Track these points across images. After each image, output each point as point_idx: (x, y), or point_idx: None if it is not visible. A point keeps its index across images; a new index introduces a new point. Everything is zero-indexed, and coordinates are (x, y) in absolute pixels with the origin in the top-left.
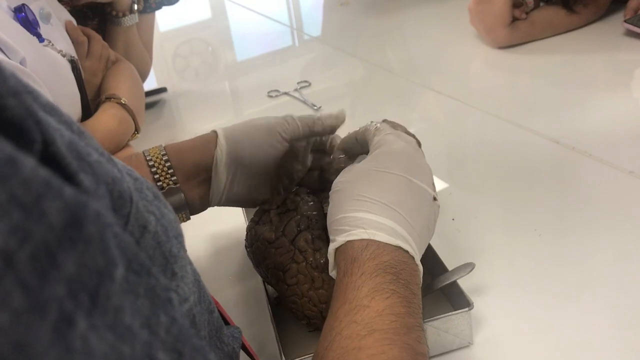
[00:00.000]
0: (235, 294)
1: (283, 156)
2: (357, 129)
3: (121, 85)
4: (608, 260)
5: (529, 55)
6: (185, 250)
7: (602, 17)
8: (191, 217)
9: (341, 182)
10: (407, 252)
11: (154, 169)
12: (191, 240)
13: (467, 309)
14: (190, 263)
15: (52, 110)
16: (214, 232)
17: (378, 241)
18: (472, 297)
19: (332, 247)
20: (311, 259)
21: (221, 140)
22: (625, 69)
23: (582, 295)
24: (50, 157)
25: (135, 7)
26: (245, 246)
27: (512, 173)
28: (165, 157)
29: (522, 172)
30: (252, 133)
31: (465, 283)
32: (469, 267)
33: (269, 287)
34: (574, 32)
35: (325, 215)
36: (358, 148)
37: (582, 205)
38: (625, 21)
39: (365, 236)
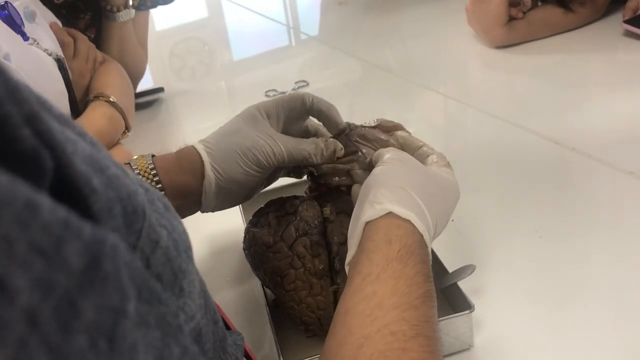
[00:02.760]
0: (234, 295)
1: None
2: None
3: (110, 83)
4: (608, 261)
5: (527, 55)
6: (193, 264)
7: (601, 18)
8: (188, 217)
9: (402, 152)
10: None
11: None
12: None
13: (467, 311)
14: (197, 274)
15: (66, 121)
16: (212, 233)
17: (423, 238)
18: (473, 300)
19: (394, 209)
20: (310, 265)
21: (208, 172)
22: (624, 70)
23: (583, 296)
24: (61, 181)
25: (131, 2)
26: (244, 249)
27: (512, 174)
28: (156, 178)
29: (522, 172)
30: (239, 165)
31: (465, 285)
32: (469, 269)
33: (268, 290)
34: (573, 32)
35: (324, 220)
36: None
37: (582, 206)
38: (624, 21)
39: (425, 236)
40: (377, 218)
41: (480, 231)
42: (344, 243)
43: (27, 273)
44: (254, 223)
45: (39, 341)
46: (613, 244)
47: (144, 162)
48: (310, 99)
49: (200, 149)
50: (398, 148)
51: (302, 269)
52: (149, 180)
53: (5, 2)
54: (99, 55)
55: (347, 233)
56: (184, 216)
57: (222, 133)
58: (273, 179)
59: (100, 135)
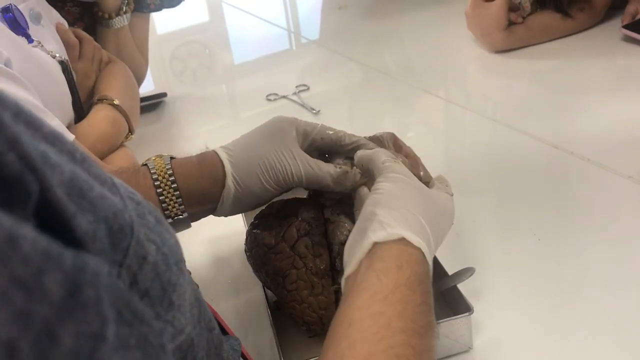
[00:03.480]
0: (235, 298)
1: None
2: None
3: (114, 86)
4: (607, 264)
5: (527, 59)
6: (185, 276)
7: (600, 23)
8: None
9: (402, 169)
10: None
11: (162, 197)
12: (190, 244)
13: (467, 313)
14: (190, 284)
15: (54, 139)
16: (214, 235)
17: (427, 263)
18: (472, 302)
19: (404, 233)
20: (311, 265)
21: (229, 183)
22: (623, 74)
23: (581, 299)
24: (46, 203)
25: (124, 9)
26: (245, 250)
27: (510, 177)
28: (174, 185)
29: (521, 176)
30: (259, 180)
31: (465, 288)
32: (469, 271)
33: (269, 291)
34: (572, 37)
35: (325, 220)
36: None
37: (580, 209)
38: (623, 26)
39: (425, 249)
40: (388, 241)
41: (479, 234)
42: (344, 243)
43: (8, 307)
44: (256, 225)
45: None
46: (611, 247)
47: (162, 164)
48: (346, 138)
49: (224, 157)
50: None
51: (304, 269)
52: (166, 186)
53: (10, 5)
54: (105, 55)
55: (347, 233)
56: (197, 219)
57: (246, 144)
58: (287, 192)
59: (103, 139)
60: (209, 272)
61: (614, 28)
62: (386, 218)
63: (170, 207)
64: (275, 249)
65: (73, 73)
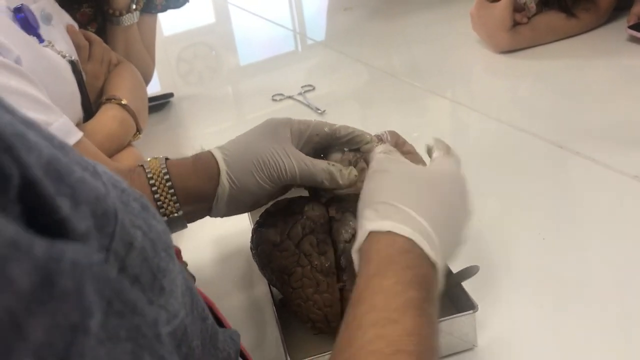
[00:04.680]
0: (241, 296)
1: None
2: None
3: (122, 86)
4: (612, 263)
5: (532, 60)
6: (174, 262)
7: (606, 23)
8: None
9: (390, 162)
10: (437, 270)
11: (156, 195)
12: (196, 243)
13: (471, 311)
14: (182, 272)
15: (31, 124)
16: (219, 234)
17: (420, 249)
18: (476, 300)
19: (370, 226)
20: (316, 262)
21: (223, 180)
22: (628, 75)
23: (586, 297)
24: (27, 184)
25: (134, 6)
26: (251, 248)
27: (516, 177)
28: (168, 183)
29: (526, 176)
30: (253, 177)
31: (469, 286)
32: (474, 269)
33: (274, 289)
34: (577, 38)
35: (330, 219)
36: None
37: (585, 209)
38: (628, 27)
39: (413, 237)
40: (363, 243)
41: (484, 233)
42: (349, 241)
43: None
44: (261, 223)
45: None
46: (616, 247)
47: (157, 164)
48: (343, 129)
49: (218, 156)
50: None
51: (309, 267)
52: (161, 185)
53: (22, 5)
54: (114, 57)
55: (352, 231)
56: (193, 220)
57: (240, 142)
58: (285, 191)
59: (111, 138)
60: (215, 269)
61: (620, 28)
62: (361, 222)
63: (165, 205)
64: (280, 246)
65: (83, 73)
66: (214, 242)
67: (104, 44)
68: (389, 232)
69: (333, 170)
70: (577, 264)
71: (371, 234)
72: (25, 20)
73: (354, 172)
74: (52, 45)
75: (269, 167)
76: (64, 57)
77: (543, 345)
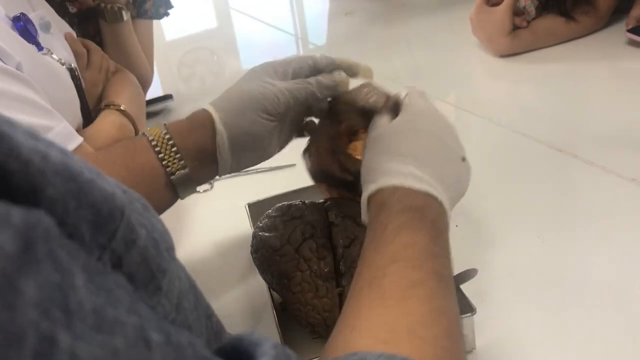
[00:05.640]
0: (241, 299)
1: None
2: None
3: (121, 93)
4: (610, 267)
5: (532, 63)
6: (176, 262)
7: (605, 26)
8: (196, 219)
9: (372, 138)
10: (435, 198)
11: (160, 155)
12: (197, 245)
13: (470, 314)
14: (184, 269)
15: (34, 136)
16: (220, 237)
17: (406, 187)
18: (475, 303)
19: (364, 196)
20: (315, 267)
21: (219, 127)
22: (628, 78)
23: (584, 300)
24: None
25: (124, 12)
26: (251, 252)
27: (514, 180)
28: (170, 142)
29: (525, 179)
30: (247, 114)
31: (468, 288)
32: (472, 272)
33: (274, 293)
34: (577, 41)
35: (330, 223)
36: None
37: (584, 212)
38: (628, 30)
39: (393, 182)
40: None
41: (483, 235)
42: (349, 246)
43: None
44: (261, 227)
45: None
46: (614, 250)
47: (158, 131)
48: (323, 58)
49: (209, 107)
50: None
51: (308, 272)
52: (167, 151)
53: (21, 14)
54: (112, 65)
55: (351, 236)
56: (204, 181)
57: (228, 90)
58: (287, 137)
59: (110, 143)
60: (215, 273)
61: (619, 32)
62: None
63: (170, 163)
64: (280, 251)
65: (81, 80)
66: (214, 246)
67: (102, 52)
68: (378, 189)
69: (320, 78)
70: (575, 267)
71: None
72: (25, 29)
73: (343, 74)
74: (51, 53)
75: (258, 99)
76: (62, 64)
77: (542, 348)
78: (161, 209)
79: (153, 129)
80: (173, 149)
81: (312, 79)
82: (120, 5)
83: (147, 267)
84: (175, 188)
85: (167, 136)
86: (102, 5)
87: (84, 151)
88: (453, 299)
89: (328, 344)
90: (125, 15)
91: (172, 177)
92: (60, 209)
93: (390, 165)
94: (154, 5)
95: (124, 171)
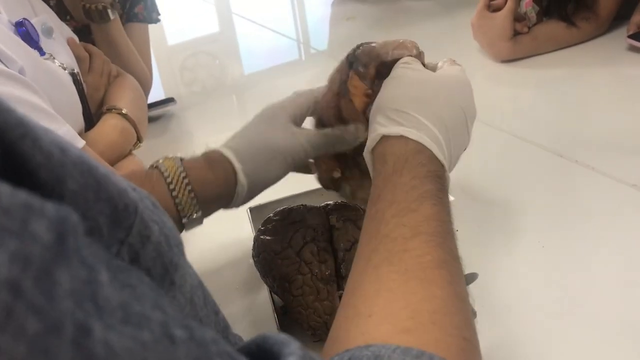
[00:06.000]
0: (243, 302)
1: None
2: None
3: (122, 97)
4: (610, 272)
5: (533, 69)
6: (185, 258)
7: (606, 32)
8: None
9: (405, 69)
10: (445, 170)
11: (177, 199)
12: (199, 249)
13: None
14: (191, 267)
15: (49, 130)
16: (222, 241)
17: (429, 150)
18: (475, 307)
19: (383, 131)
20: (317, 270)
21: (241, 180)
22: (628, 84)
23: (585, 306)
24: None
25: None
26: (252, 256)
27: (515, 185)
28: (189, 187)
29: (526, 184)
30: (271, 168)
31: (468, 292)
32: (472, 277)
33: (276, 297)
34: (578, 47)
35: (331, 227)
36: None
37: (584, 217)
38: (628, 36)
39: (422, 141)
40: (375, 146)
41: (483, 240)
42: (349, 249)
43: (2, 249)
44: (263, 231)
45: (24, 307)
46: (615, 255)
47: (174, 166)
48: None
49: (230, 156)
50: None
51: (310, 275)
52: (181, 188)
53: (24, 19)
54: (114, 69)
55: (352, 240)
56: (210, 215)
57: (246, 137)
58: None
59: (112, 146)
60: (217, 277)
61: (620, 38)
62: (371, 127)
63: (186, 208)
64: (281, 254)
65: (83, 84)
66: (216, 249)
67: (104, 56)
68: (400, 136)
69: (337, 132)
70: (576, 272)
71: (384, 137)
72: (27, 34)
73: (361, 128)
74: (53, 58)
75: (281, 154)
76: (64, 69)
77: (542, 352)
78: None
79: (168, 163)
80: (190, 194)
81: (330, 132)
82: (105, 4)
83: (161, 262)
84: (184, 226)
85: (186, 180)
86: (88, 5)
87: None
88: (464, 282)
89: (335, 332)
90: (112, 14)
91: (185, 219)
92: (82, 202)
93: (421, 118)
94: (146, 9)
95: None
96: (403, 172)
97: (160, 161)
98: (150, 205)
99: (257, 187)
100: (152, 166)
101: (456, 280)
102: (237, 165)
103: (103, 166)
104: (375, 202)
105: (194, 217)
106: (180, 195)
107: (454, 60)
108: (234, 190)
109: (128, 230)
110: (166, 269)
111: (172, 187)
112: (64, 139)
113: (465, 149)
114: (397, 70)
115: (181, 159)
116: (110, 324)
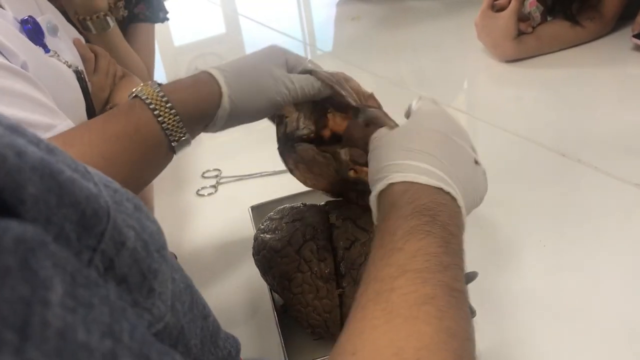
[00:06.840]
0: (242, 300)
1: None
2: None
3: (127, 96)
4: (613, 271)
5: (536, 69)
6: (168, 263)
7: (610, 32)
8: (200, 222)
9: (379, 139)
10: (448, 193)
11: (164, 124)
12: (201, 247)
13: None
14: (179, 270)
15: (16, 130)
16: (222, 239)
17: (418, 184)
18: (475, 306)
19: (373, 194)
20: (316, 268)
21: (225, 104)
22: (633, 84)
23: (587, 305)
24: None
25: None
26: (253, 254)
27: (517, 184)
28: (173, 111)
29: (529, 183)
30: (254, 97)
31: (468, 291)
32: (472, 276)
33: (275, 295)
34: (582, 47)
35: (330, 225)
36: None
37: (587, 216)
38: (633, 36)
39: (404, 179)
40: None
41: (484, 239)
42: (349, 248)
43: None
44: (263, 229)
45: None
46: (618, 255)
47: (152, 90)
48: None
49: (220, 78)
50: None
51: (309, 273)
52: (164, 112)
53: (29, 17)
54: (119, 70)
55: (352, 238)
56: (193, 137)
57: (241, 65)
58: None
59: None
60: (217, 275)
61: (625, 38)
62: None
63: (173, 131)
64: (281, 252)
65: (88, 83)
66: (217, 248)
67: (110, 57)
68: (387, 185)
69: (327, 79)
70: (578, 272)
71: (380, 193)
72: (32, 32)
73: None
74: (58, 56)
75: (268, 90)
76: (69, 66)
77: (542, 352)
78: (161, 168)
79: (146, 90)
80: (175, 118)
81: (316, 80)
82: (104, 12)
83: (138, 269)
84: (174, 150)
85: (169, 105)
86: (88, 18)
87: None
88: (464, 314)
89: None
90: (111, 21)
91: (174, 143)
92: (44, 206)
93: (400, 161)
94: (151, 8)
95: (117, 136)
96: (390, 215)
97: (139, 89)
98: (131, 208)
99: (239, 116)
100: (130, 95)
101: (447, 314)
102: (224, 89)
103: (75, 168)
104: (370, 254)
105: (183, 138)
106: (165, 119)
107: (422, 96)
108: (215, 112)
109: (99, 236)
110: (144, 276)
111: (156, 112)
112: (36, 140)
113: (475, 159)
114: (374, 143)
115: (159, 84)
116: (33, 358)
